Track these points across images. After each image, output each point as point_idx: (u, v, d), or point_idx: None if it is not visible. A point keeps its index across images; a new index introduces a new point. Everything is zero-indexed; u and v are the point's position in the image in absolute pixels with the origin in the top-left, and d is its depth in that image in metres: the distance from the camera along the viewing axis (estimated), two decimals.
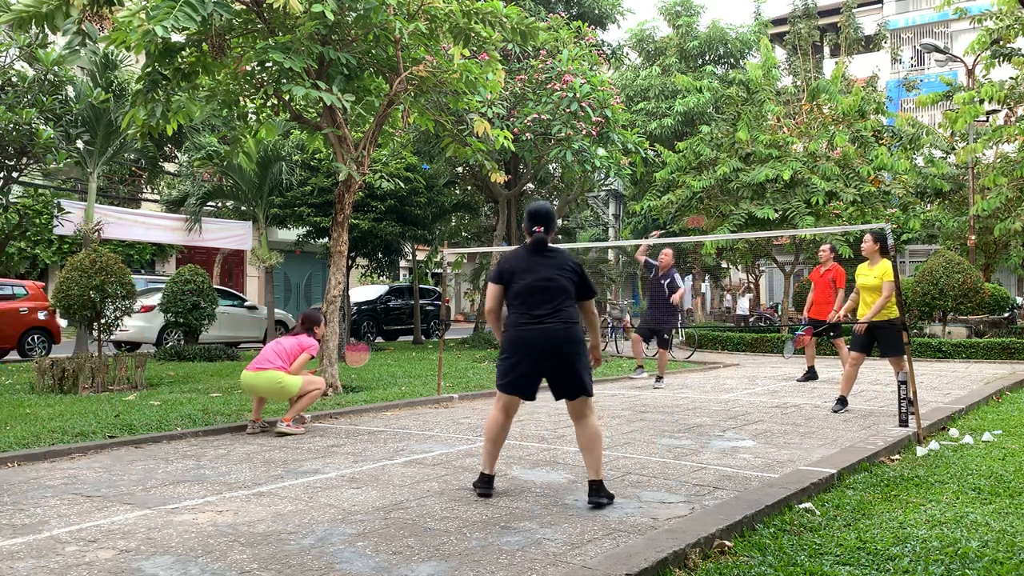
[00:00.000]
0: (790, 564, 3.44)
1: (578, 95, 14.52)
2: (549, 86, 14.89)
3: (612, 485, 4.75)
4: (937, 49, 19.60)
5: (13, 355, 15.23)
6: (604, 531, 3.91)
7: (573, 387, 4.45)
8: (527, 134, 14.73)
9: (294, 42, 7.91)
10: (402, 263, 23.90)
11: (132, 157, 18.39)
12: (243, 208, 19.82)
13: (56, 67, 12.79)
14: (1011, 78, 15.90)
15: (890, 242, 6.95)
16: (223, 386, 9.86)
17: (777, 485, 4.63)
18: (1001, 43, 15.76)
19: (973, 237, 18.70)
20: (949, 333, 16.46)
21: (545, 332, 4.40)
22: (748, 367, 13.96)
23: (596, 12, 21.41)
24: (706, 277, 32.67)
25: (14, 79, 12.57)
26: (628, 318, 21.00)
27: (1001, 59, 15.91)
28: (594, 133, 14.82)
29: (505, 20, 8.79)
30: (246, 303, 19.12)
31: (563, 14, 18.63)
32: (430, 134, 14.54)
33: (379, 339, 21.86)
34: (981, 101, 15.55)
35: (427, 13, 8.44)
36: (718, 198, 18.66)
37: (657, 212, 19.55)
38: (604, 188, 31.47)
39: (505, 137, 10.00)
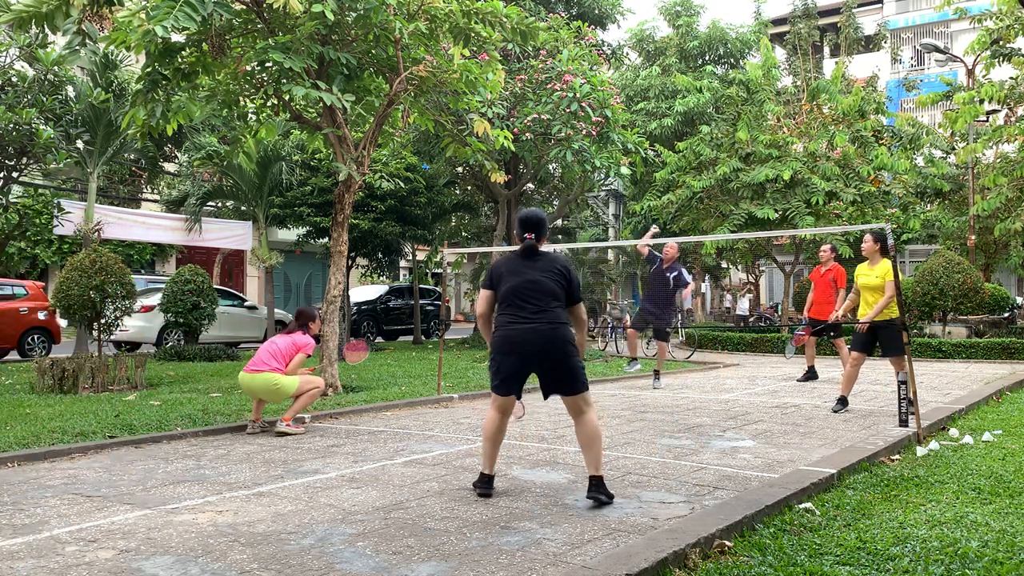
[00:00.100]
0: (790, 564, 3.44)
1: (578, 95, 14.52)
2: (549, 86, 14.89)
3: (612, 485, 4.76)
4: (937, 49, 19.60)
5: (13, 355, 15.23)
6: (604, 531, 3.91)
7: (569, 384, 4.46)
8: (527, 134, 14.73)
9: (294, 42, 7.91)
10: (402, 263, 23.90)
11: (132, 157, 18.40)
12: (243, 208, 19.84)
13: (56, 67, 12.79)
14: (1011, 78, 15.90)
15: (890, 242, 6.95)
16: (223, 386, 9.86)
17: (777, 485, 4.63)
18: (1001, 43, 15.76)
19: (973, 237, 18.70)
20: (949, 333, 16.46)
21: (533, 331, 4.41)
22: (748, 367, 13.96)
23: (596, 12, 21.39)
24: (706, 277, 32.66)
25: (14, 79, 12.58)
26: (628, 318, 20.98)
27: (1001, 59, 15.91)
28: (594, 133, 14.82)
29: (505, 20, 8.79)
30: (246, 303, 19.13)
31: (563, 14, 18.61)
32: (430, 134, 14.54)
33: (379, 339, 21.86)
34: (981, 101, 15.55)
35: (427, 13, 8.44)
36: (718, 198, 18.67)
37: (657, 212, 19.56)
38: (604, 188, 31.45)
39: (505, 137, 9.99)
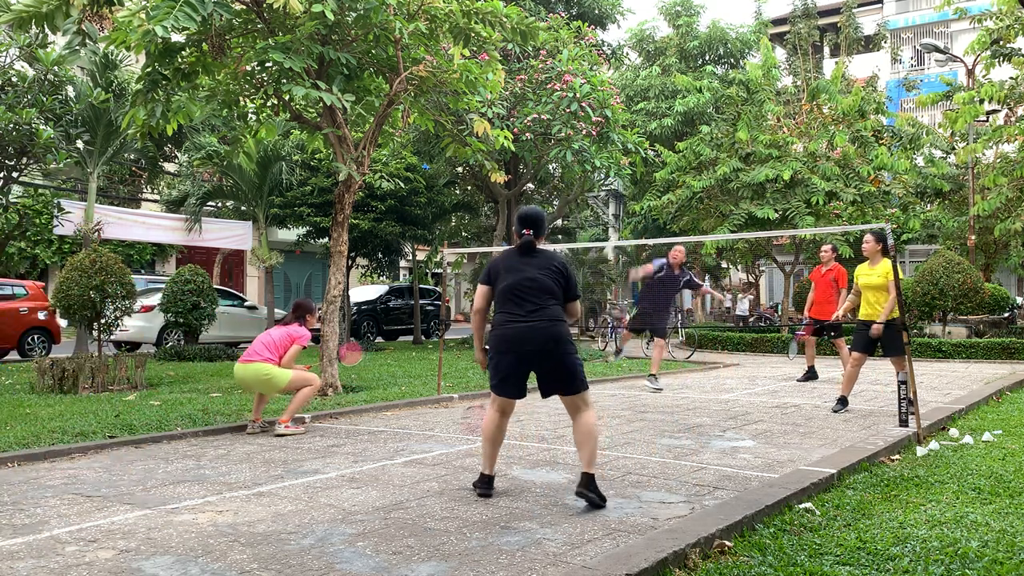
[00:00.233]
0: (790, 564, 3.43)
1: (578, 95, 14.52)
2: (549, 86, 14.89)
3: (612, 485, 4.76)
4: (937, 49, 19.60)
5: (13, 355, 15.24)
6: (604, 531, 3.91)
7: (568, 383, 4.45)
8: (527, 134, 14.73)
9: (294, 42, 7.91)
10: (402, 263, 23.90)
11: (132, 157, 18.40)
12: (243, 208, 19.85)
13: (56, 67, 12.80)
14: (1011, 78, 15.90)
15: (890, 242, 6.95)
16: (223, 386, 9.86)
17: (777, 485, 4.63)
18: (1001, 43, 15.75)
19: (973, 237, 18.70)
20: (949, 333, 16.46)
21: (531, 330, 4.41)
22: (748, 367, 13.96)
23: (596, 12, 21.41)
24: (706, 277, 32.64)
25: (14, 79, 12.58)
26: (628, 318, 20.98)
27: (1001, 59, 15.90)
28: (594, 133, 14.82)
29: (505, 20, 8.79)
30: (246, 303, 19.12)
31: (563, 14, 18.63)
32: (430, 134, 14.54)
33: (379, 339, 21.85)
34: (981, 101, 15.55)
35: (427, 13, 8.44)
36: (718, 198, 18.66)
37: (657, 212, 19.55)
38: (604, 188, 31.43)
39: (505, 137, 10.00)
